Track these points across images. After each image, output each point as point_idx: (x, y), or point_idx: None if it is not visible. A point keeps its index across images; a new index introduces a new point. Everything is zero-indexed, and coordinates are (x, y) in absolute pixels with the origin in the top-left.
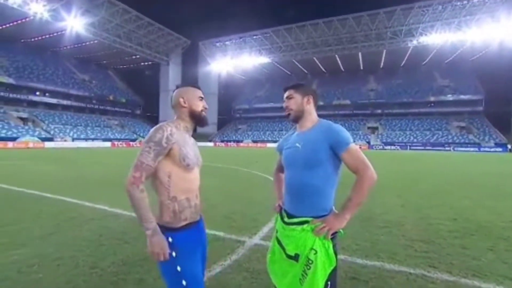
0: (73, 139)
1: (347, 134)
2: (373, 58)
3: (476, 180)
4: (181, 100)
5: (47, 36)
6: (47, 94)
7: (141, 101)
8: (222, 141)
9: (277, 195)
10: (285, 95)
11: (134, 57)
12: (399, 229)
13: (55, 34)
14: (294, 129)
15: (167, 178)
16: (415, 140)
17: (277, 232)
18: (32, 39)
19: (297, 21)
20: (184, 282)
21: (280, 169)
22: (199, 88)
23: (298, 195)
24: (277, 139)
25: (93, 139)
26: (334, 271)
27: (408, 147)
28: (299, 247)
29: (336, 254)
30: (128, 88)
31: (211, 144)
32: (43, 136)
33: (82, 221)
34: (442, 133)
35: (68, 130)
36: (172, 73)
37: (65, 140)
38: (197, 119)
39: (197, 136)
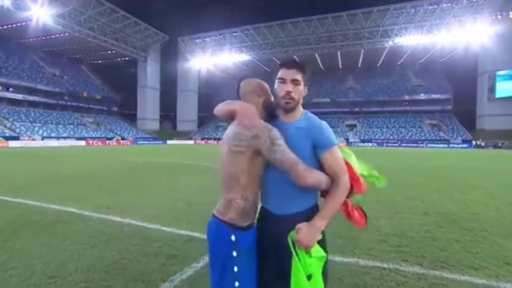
0: (43, 138)
1: (332, 134)
2: (351, 57)
3: (445, 174)
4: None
5: (9, 25)
6: (10, 89)
7: (118, 98)
8: (202, 139)
9: None
10: (291, 76)
11: (109, 52)
12: (374, 225)
13: (19, 24)
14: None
15: (255, 176)
16: (391, 137)
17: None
18: None
19: (277, 19)
20: (237, 284)
21: None
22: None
23: (284, 193)
24: None
25: (65, 138)
26: (325, 264)
27: (385, 144)
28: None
29: (324, 248)
30: (104, 84)
31: (191, 142)
32: (7, 134)
33: (44, 225)
34: (416, 130)
35: (36, 128)
36: (150, 69)
37: (33, 139)
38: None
39: (176, 134)
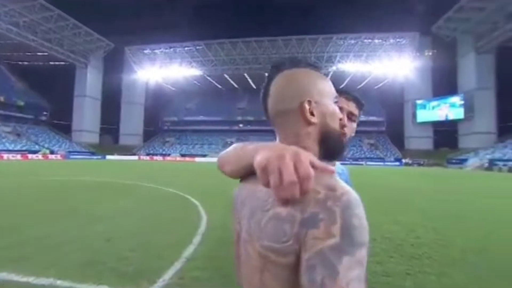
0: None
1: None
2: None
3: (386, 193)
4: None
5: None
6: None
7: (48, 106)
8: (147, 154)
9: None
10: (349, 108)
11: (40, 54)
12: None
13: None
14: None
15: None
16: None
17: None
18: None
19: (230, 37)
20: None
21: None
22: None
23: None
24: (207, 153)
25: None
26: None
27: None
28: None
29: None
30: (30, 89)
31: (135, 157)
32: None
33: None
34: (356, 149)
35: None
36: (91, 77)
37: None
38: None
39: (119, 148)
